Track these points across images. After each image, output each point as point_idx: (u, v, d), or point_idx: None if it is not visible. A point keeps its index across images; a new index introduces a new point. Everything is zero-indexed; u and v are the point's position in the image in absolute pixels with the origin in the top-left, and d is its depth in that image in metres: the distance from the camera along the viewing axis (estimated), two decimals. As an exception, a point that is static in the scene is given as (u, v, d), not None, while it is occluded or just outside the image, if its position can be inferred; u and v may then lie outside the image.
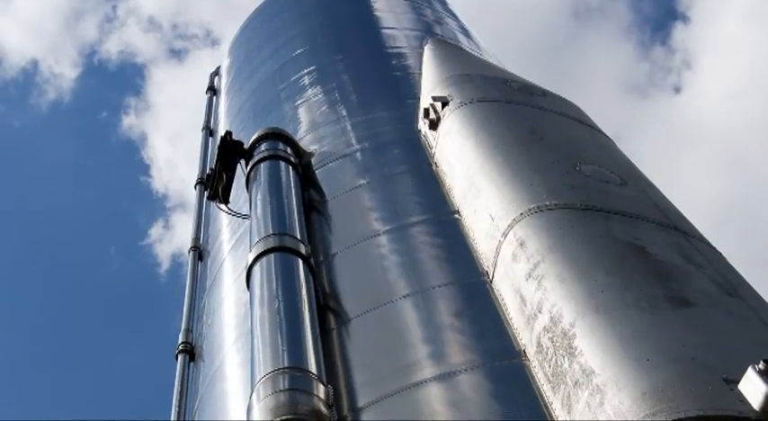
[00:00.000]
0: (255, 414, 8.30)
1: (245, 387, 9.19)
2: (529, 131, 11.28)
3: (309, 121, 14.75)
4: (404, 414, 8.40)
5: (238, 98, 18.42)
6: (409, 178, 12.03)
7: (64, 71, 51.66)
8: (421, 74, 14.38)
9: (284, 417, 8.12)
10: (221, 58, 22.84)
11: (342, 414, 8.63)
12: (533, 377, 8.34)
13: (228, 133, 13.85)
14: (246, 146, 13.56)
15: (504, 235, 9.57)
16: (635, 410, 6.90)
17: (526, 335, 8.68)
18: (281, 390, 8.40)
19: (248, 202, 12.71)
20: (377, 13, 18.18)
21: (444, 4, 19.94)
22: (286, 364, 8.74)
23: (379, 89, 14.94)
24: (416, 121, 13.04)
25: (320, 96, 15.30)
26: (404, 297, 9.84)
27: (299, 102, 15.62)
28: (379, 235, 11.00)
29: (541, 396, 8.11)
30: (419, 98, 13.58)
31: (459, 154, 11.33)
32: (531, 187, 9.89)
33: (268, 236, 11.04)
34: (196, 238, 15.55)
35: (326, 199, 12.46)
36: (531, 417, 7.95)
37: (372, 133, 13.34)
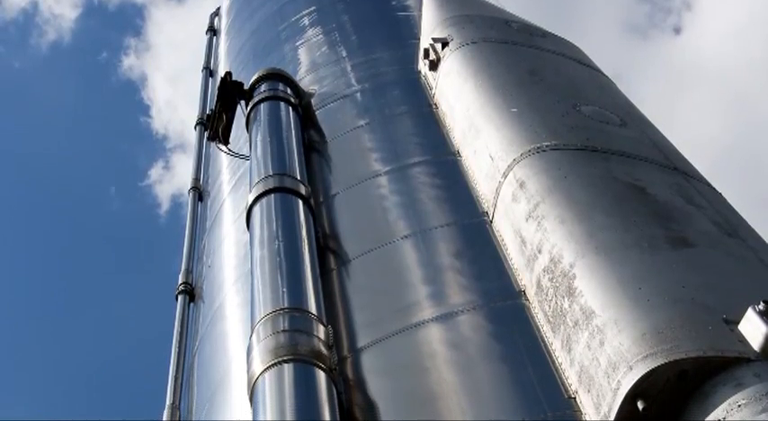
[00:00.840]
0: (255, 354, 8.26)
1: (245, 327, 9.15)
2: (529, 72, 11.20)
3: (309, 62, 14.65)
4: (404, 354, 8.37)
5: (238, 39, 18.29)
6: (409, 119, 11.95)
7: (64, 11, 51.38)
8: (421, 14, 14.24)
9: (284, 358, 8.07)
10: (221, -2, 22.65)
11: (342, 354, 8.60)
12: (533, 317, 8.30)
13: (228, 74, 13.77)
14: (246, 86, 13.48)
15: (504, 175, 9.50)
16: (635, 351, 6.85)
17: (526, 276, 8.62)
18: (280, 331, 8.35)
19: (248, 143, 12.64)
20: (377, -46, 17.98)
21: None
22: (286, 305, 8.69)
23: (379, 30, 14.83)
24: (416, 62, 12.95)
25: (320, 37, 15.18)
26: (404, 237, 9.78)
27: (298, 42, 15.51)
28: (379, 175, 10.93)
29: (541, 336, 8.06)
30: (419, 39, 13.47)
31: (459, 95, 11.25)
32: (531, 128, 9.81)
33: (268, 176, 10.98)
34: (196, 179, 15.49)
35: (326, 139, 12.39)
36: (530, 358, 7.91)
37: (372, 74, 13.25)
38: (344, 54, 14.16)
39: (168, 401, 10.55)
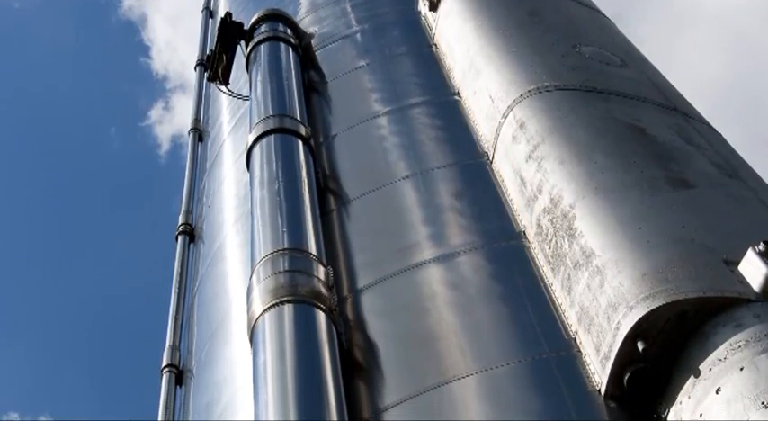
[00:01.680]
0: (255, 295, 8.21)
1: (245, 268, 9.11)
2: (528, 13, 11.08)
3: (309, 2, 14.51)
4: (404, 295, 8.33)
5: (238, -21, 18.12)
6: (409, 59, 11.86)
7: (63, -49, 50.93)
8: (421, -46, 14.08)
9: (284, 299, 8.02)
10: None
11: (342, 295, 8.54)
12: (533, 258, 8.25)
13: (228, 14, 13.67)
14: (246, 27, 13.38)
15: (504, 116, 9.41)
16: (635, 291, 6.80)
17: (526, 217, 8.56)
18: (280, 272, 8.30)
19: (248, 84, 12.56)
20: None
21: None
22: (286, 245, 8.64)
23: (379, -31, 14.67)
24: (416, 3, 12.82)
25: (320, -23, 15.02)
26: (404, 178, 9.70)
27: (298, -18, 15.35)
28: (379, 116, 10.84)
29: (541, 277, 8.01)
30: (419, -21, 13.33)
31: (459, 35, 11.14)
32: (531, 68, 9.72)
33: (268, 117, 10.90)
34: (196, 120, 15.41)
35: (326, 80, 12.30)
36: (530, 298, 7.87)
37: (372, 14, 13.12)
38: (344, -6, 14.01)
39: (168, 342, 10.54)
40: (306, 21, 13.82)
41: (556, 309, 7.65)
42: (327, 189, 10.20)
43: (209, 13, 19.34)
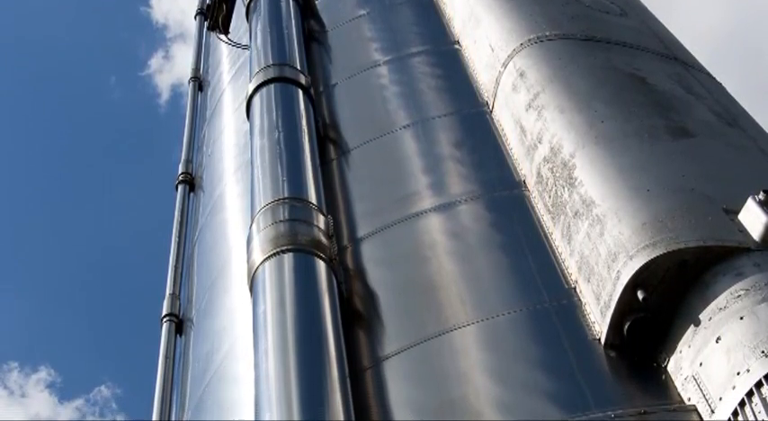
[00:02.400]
0: (255, 244, 8.15)
1: (245, 217, 9.04)
2: (528, -39, 10.97)
3: (309, -48, 14.35)
4: (404, 244, 8.27)
5: (238, -72, 17.95)
6: (409, 8, 11.73)
7: None
8: None
9: (284, 248, 7.96)
10: None
11: (342, 244, 8.49)
12: (533, 207, 8.18)
13: (228, -37, 13.55)
14: (246, -24, 13.22)
15: (504, 65, 9.32)
16: (635, 241, 6.73)
17: (526, 166, 8.49)
18: (280, 221, 8.24)
19: (248, 33, 12.45)
20: None
21: None
22: (286, 195, 8.57)
23: None
24: (416, -48, 12.68)
25: (319, -75, 14.85)
26: (404, 127, 9.61)
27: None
28: (379, 65, 10.74)
29: (541, 226, 7.94)
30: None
31: (459, -16, 11.03)
32: (531, 17, 9.62)
33: (268, 66, 10.81)
34: (196, 69, 15.30)
35: (326, 29, 12.20)
36: (530, 248, 7.81)
37: (372, -37, 12.98)
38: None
39: (168, 291, 10.50)
40: (305, -30, 13.67)
41: (556, 258, 7.60)
42: (327, 138, 10.13)
43: (209, -38, 19.16)
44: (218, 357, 8.63)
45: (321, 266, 7.86)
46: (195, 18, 16.73)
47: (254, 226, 8.33)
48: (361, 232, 8.59)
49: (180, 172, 12.40)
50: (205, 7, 15.51)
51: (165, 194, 12.85)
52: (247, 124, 10.43)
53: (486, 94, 9.64)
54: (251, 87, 10.66)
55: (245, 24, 12.83)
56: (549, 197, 7.88)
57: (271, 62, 10.84)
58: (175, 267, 10.72)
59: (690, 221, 6.74)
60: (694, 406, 6.19)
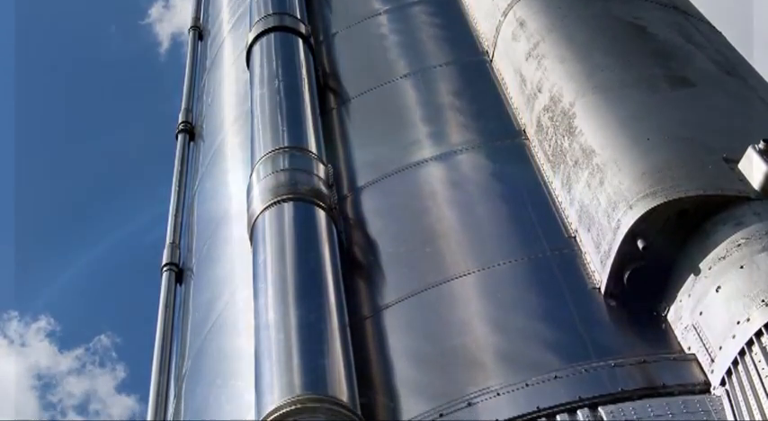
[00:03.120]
0: (255, 193, 8.07)
1: (245, 166, 8.96)
2: None
3: None
4: (404, 193, 8.20)
5: None
6: (408, -42, 11.58)
7: None
8: None
9: (284, 197, 7.88)
10: None
11: (342, 193, 8.41)
12: (533, 156, 8.11)
13: None
14: (246, -76, 13.05)
15: (504, 14, 9.21)
16: (634, 190, 6.67)
17: (526, 115, 8.41)
18: (280, 170, 8.16)
19: (248, -18, 12.29)
20: None
21: None
22: (286, 144, 8.48)
23: None
24: None
25: None
26: (404, 76, 9.51)
27: None
28: (378, 14, 10.61)
29: (541, 175, 7.88)
30: None
31: (458, -68, 10.89)
32: (530, -34, 9.49)
33: (268, 15, 10.68)
34: (196, 18, 15.13)
35: (326, -22, 12.05)
36: (530, 197, 7.75)
37: None
38: None
39: (168, 240, 10.43)
40: None
41: (556, 207, 7.54)
42: (327, 87, 10.03)
43: None
44: (218, 306, 8.58)
45: (321, 215, 7.80)
46: (195, -33, 16.53)
47: (254, 175, 8.26)
48: (361, 181, 8.52)
49: (180, 121, 12.29)
50: (205, -44, 15.31)
51: (166, 144, 12.73)
52: (247, 73, 10.33)
53: (485, 44, 9.54)
54: (251, 36, 10.55)
55: (245, -27, 12.66)
56: (549, 146, 7.81)
57: (270, 11, 10.71)
58: (175, 216, 10.64)
59: (689, 171, 6.68)
60: (694, 355, 6.15)
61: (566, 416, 5.95)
